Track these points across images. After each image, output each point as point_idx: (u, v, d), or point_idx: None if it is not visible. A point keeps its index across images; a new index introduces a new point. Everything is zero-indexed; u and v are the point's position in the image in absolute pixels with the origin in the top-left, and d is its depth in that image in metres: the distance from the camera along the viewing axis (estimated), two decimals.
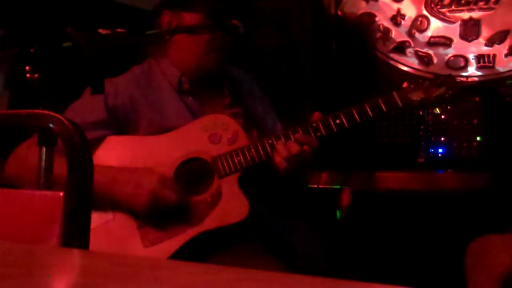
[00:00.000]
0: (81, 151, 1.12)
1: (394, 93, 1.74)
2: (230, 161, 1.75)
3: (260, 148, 1.75)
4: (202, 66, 1.89)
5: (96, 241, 1.58)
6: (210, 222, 1.73)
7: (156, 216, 1.75)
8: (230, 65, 2.01)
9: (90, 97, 1.81)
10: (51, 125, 1.15)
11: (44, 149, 1.24)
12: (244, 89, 2.01)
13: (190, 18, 1.85)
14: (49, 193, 1.17)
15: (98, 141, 1.82)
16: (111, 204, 1.76)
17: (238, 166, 1.74)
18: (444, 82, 1.74)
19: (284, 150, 1.72)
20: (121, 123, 1.84)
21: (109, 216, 1.77)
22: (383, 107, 1.73)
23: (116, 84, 1.87)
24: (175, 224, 1.74)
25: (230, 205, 1.73)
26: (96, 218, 1.75)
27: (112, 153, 1.81)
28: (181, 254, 1.71)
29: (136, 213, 1.76)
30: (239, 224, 1.72)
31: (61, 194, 1.09)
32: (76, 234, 1.08)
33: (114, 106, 1.83)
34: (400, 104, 1.73)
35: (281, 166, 1.74)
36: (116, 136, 1.84)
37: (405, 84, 1.76)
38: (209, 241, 1.74)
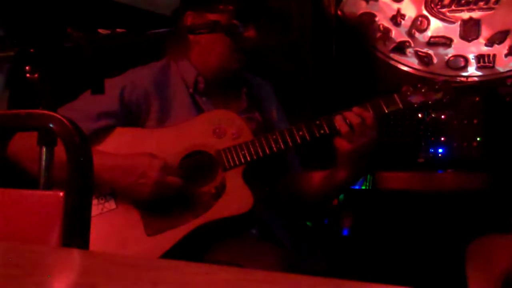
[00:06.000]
0: (81, 151, 1.12)
1: (395, 95, 1.78)
2: (234, 155, 1.77)
3: (264, 142, 1.77)
4: (225, 66, 1.90)
5: (99, 230, 1.60)
6: (214, 213, 1.74)
7: (159, 205, 1.76)
8: (249, 73, 2.02)
9: (106, 86, 1.83)
10: (51, 125, 1.15)
11: (44, 149, 1.24)
12: (262, 97, 2.03)
13: (215, 18, 1.85)
14: (49, 193, 1.17)
15: (106, 131, 1.83)
16: (112, 191, 1.78)
17: (243, 160, 1.76)
18: (441, 87, 1.79)
19: (344, 124, 1.72)
20: (131, 116, 1.86)
21: (111, 205, 1.78)
22: (384, 108, 1.77)
23: (134, 77, 1.89)
24: (178, 214, 1.75)
25: (234, 197, 1.75)
26: (99, 207, 1.77)
27: (118, 143, 1.83)
28: (183, 244, 1.73)
29: (139, 201, 1.77)
30: (243, 216, 1.73)
31: (61, 194, 1.09)
32: (76, 234, 1.08)
33: (129, 100, 1.85)
34: (400, 105, 1.77)
35: (344, 149, 1.74)
36: (123, 128, 1.85)
37: (404, 88, 1.80)
38: (212, 232, 1.76)
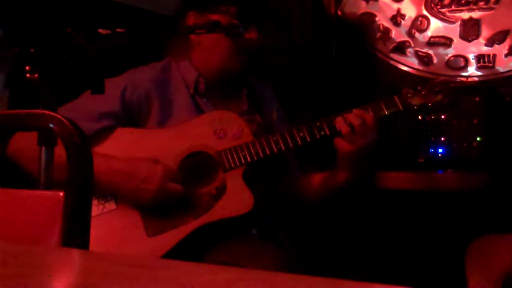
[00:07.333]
0: (81, 151, 1.12)
1: (395, 97, 1.78)
2: (235, 156, 1.77)
3: (264, 143, 1.77)
4: (226, 67, 1.90)
5: (99, 230, 1.60)
6: (214, 214, 1.74)
7: (160, 206, 1.76)
8: (250, 74, 2.02)
9: (107, 86, 1.82)
10: (51, 125, 1.15)
11: (44, 149, 1.24)
12: (263, 99, 2.03)
13: (216, 19, 1.83)
14: (49, 193, 1.17)
15: (106, 131, 1.83)
16: (114, 194, 1.78)
17: (243, 161, 1.76)
18: (441, 89, 1.79)
19: (344, 125, 1.73)
20: (132, 117, 1.86)
21: (112, 205, 1.78)
22: (385, 110, 1.77)
23: (135, 77, 1.89)
24: (179, 215, 1.75)
25: (234, 198, 1.75)
26: (99, 207, 1.77)
27: (119, 144, 1.83)
28: (184, 245, 1.73)
29: (140, 205, 1.77)
30: (243, 217, 1.73)
31: (61, 194, 1.09)
32: (76, 234, 1.08)
33: (130, 100, 1.85)
34: (401, 107, 1.77)
35: (345, 150, 1.74)
36: (124, 128, 1.85)
37: (404, 90, 1.80)
38: (213, 233, 1.76)
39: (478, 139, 2.43)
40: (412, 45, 2.65)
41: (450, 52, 2.60)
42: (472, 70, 2.56)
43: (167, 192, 1.74)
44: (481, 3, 2.56)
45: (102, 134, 1.83)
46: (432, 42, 2.63)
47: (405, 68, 2.65)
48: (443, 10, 2.62)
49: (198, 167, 1.80)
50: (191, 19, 1.90)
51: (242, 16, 1.83)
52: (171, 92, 1.91)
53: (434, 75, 2.57)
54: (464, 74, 2.56)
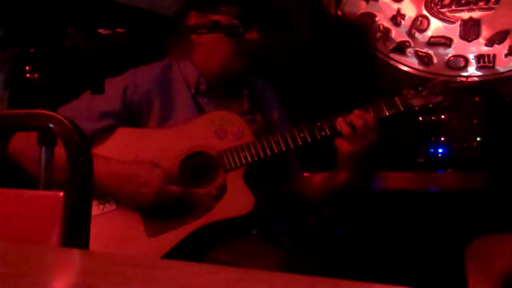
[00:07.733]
0: (81, 151, 1.12)
1: (396, 98, 1.77)
2: (235, 156, 1.77)
3: (265, 144, 1.77)
4: (227, 68, 1.90)
5: (99, 230, 1.60)
6: (215, 215, 1.74)
7: (160, 207, 1.76)
8: (250, 75, 2.02)
9: (108, 86, 1.82)
10: (51, 125, 1.15)
11: (44, 149, 1.24)
12: (264, 99, 2.03)
13: (217, 19, 1.83)
14: (49, 193, 1.17)
15: (107, 131, 1.83)
16: (113, 197, 1.78)
17: (244, 161, 1.76)
18: (442, 90, 1.78)
19: (345, 126, 1.73)
20: (133, 116, 1.86)
21: (112, 205, 1.78)
22: (385, 111, 1.77)
23: (136, 77, 1.89)
24: (179, 215, 1.75)
25: (235, 199, 1.75)
26: (100, 207, 1.77)
27: (119, 144, 1.83)
28: (184, 245, 1.73)
29: (140, 208, 1.77)
30: (244, 217, 1.73)
31: (61, 194, 1.09)
32: (76, 234, 1.08)
33: (131, 100, 1.85)
34: (401, 108, 1.77)
35: (346, 150, 1.74)
36: (125, 128, 1.85)
37: (405, 91, 1.80)
38: (213, 233, 1.76)
39: (478, 139, 2.43)
40: (412, 45, 2.66)
41: (450, 52, 2.60)
42: (472, 70, 2.56)
43: (166, 195, 1.74)
44: (481, 3, 2.56)
45: (103, 134, 1.83)
46: (432, 42, 2.63)
47: (405, 68, 2.65)
48: (443, 10, 2.62)
49: (199, 167, 1.80)
50: (192, 19, 1.90)
51: (242, 16, 1.83)
52: (172, 92, 1.91)
53: (434, 75, 2.57)
54: (464, 74, 2.57)
